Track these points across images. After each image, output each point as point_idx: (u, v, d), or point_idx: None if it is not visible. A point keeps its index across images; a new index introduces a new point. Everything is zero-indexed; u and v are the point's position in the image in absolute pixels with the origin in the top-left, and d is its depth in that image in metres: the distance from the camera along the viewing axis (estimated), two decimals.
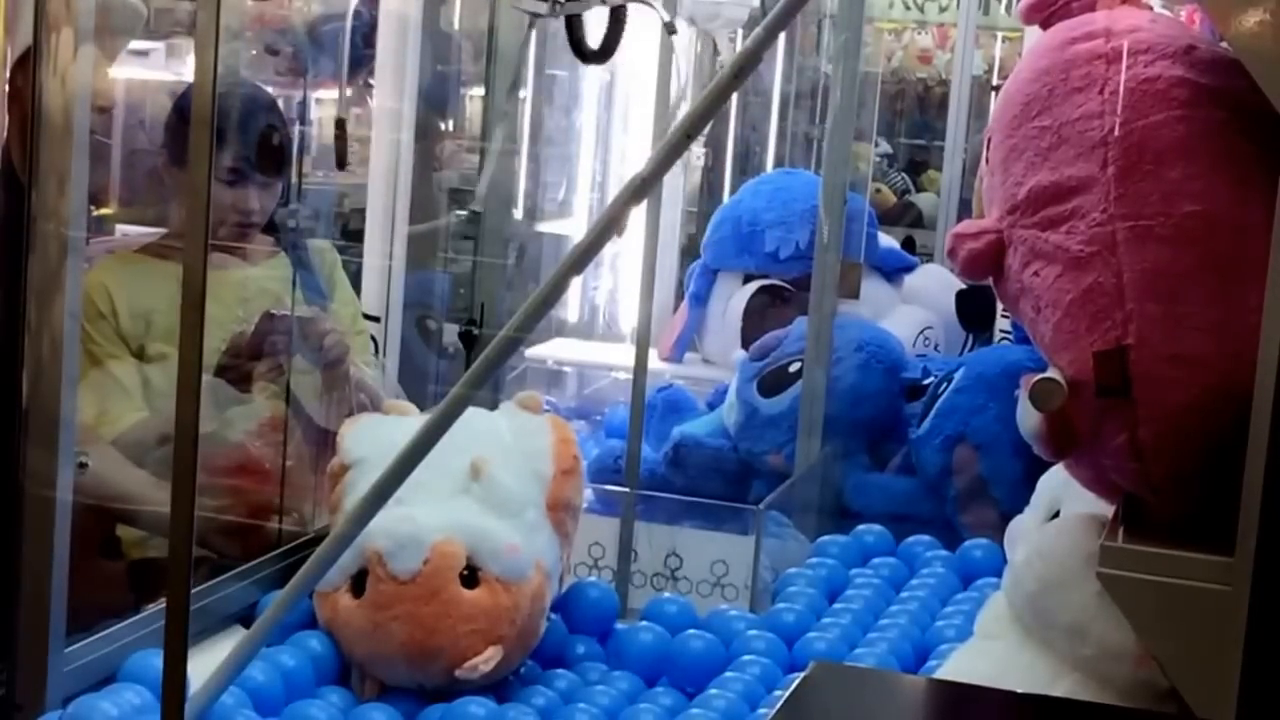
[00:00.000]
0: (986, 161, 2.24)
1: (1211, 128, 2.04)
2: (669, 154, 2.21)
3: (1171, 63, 2.07)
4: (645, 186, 2.21)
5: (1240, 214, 1.99)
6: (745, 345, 4.42)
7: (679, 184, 5.83)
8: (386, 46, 4.20)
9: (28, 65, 2.29)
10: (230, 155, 3.10)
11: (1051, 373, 2.06)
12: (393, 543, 2.59)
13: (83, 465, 2.43)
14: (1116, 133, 2.05)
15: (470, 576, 2.61)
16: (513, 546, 2.65)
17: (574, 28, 2.89)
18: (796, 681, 1.67)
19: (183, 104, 3.13)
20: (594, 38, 3.04)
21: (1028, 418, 2.08)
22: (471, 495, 2.69)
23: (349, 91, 5.03)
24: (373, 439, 2.77)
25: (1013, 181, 2.14)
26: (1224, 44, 2.08)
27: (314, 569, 2.37)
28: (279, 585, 2.49)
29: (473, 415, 2.77)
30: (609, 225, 2.25)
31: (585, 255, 2.29)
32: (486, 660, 2.57)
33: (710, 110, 2.23)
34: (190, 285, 2.00)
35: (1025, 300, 2.13)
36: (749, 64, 2.17)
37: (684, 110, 2.25)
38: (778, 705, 1.61)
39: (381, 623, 2.58)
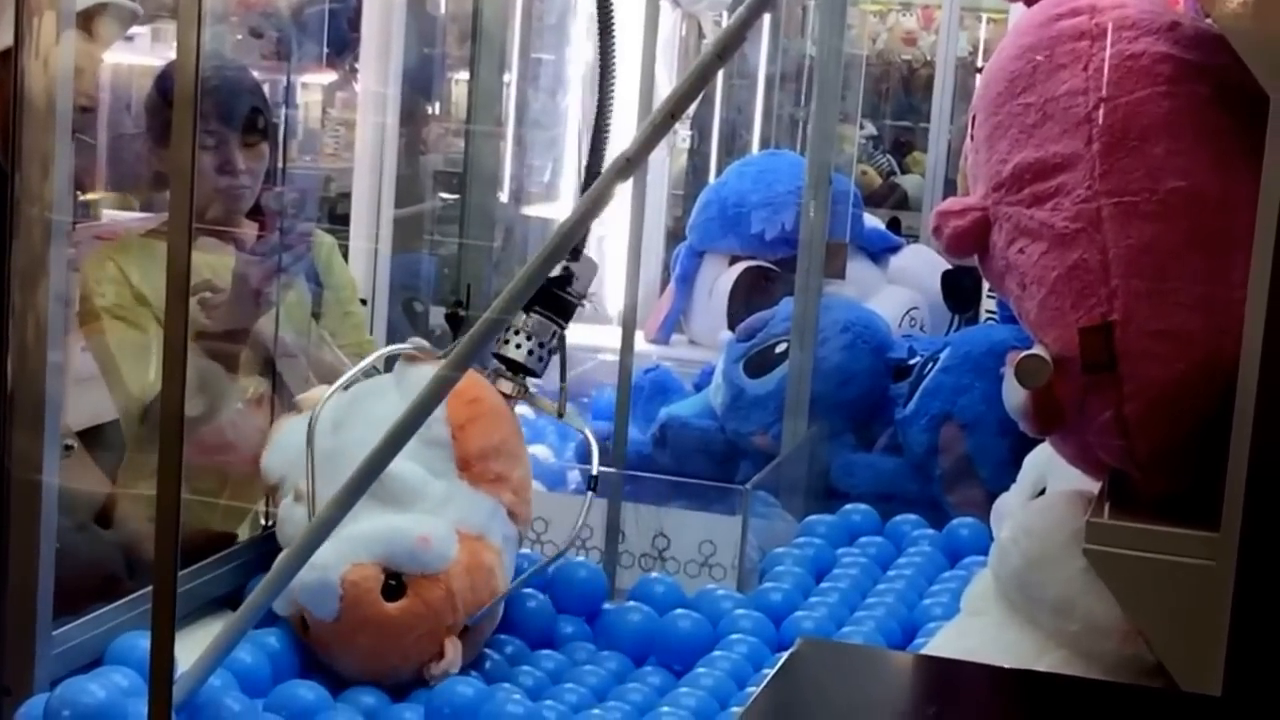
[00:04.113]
0: (971, 139, 2.24)
1: (1196, 103, 2.04)
2: (653, 134, 2.21)
3: (1155, 39, 2.07)
4: (630, 166, 2.21)
5: (1225, 189, 2.00)
6: (731, 326, 4.43)
7: (664, 166, 5.83)
8: (371, 30, 4.20)
9: (9, 58, 2.28)
10: (214, 138, 3.11)
11: (1037, 349, 2.06)
12: (308, 594, 2.53)
13: (68, 448, 2.43)
14: (1101, 109, 2.05)
15: (395, 585, 2.55)
16: (422, 539, 2.56)
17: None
18: (784, 657, 1.67)
19: (163, 85, 3.13)
20: None
21: (1013, 394, 2.08)
22: (373, 496, 2.51)
23: (335, 76, 5.04)
24: (291, 452, 2.70)
25: (997, 159, 2.14)
26: (1208, 20, 2.08)
27: (298, 553, 2.37)
28: (266, 568, 2.48)
29: (365, 396, 2.75)
30: (593, 206, 2.25)
31: (569, 236, 2.29)
32: (451, 661, 2.55)
33: (694, 90, 2.22)
34: (174, 268, 2.00)
35: (1010, 277, 2.13)
36: (732, 44, 2.17)
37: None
38: (766, 680, 1.61)
39: (334, 655, 2.57)
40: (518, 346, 2.76)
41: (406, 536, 2.56)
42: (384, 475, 2.51)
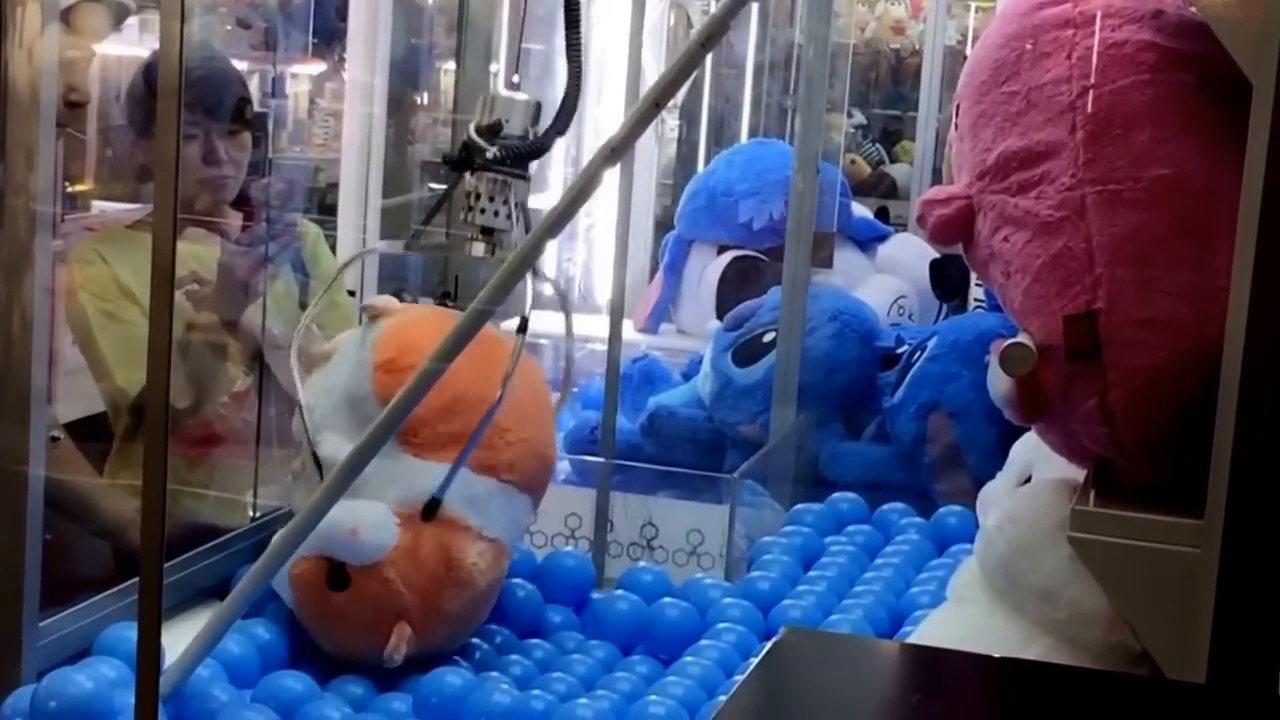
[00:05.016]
0: (955, 127, 2.25)
1: (1179, 91, 2.04)
2: (638, 122, 2.21)
3: (1139, 27, 2.08)
4: (615, 155, 2.21)
5: (1209, 177, 2.00)
6: (720, 315, 4.42)
7: (653, 155, 5.83)
8: (358, 19, 4.19)
9: None
10: (196, 127, 3.11)
11: (1021, 337, 2.07)
12: (276, 584, 2.56)
13: (54, 439, 2.43)
14: (1085, 97, 2.06)
15: (342, 575, 2.53)
16: (350, 531, 2.50)
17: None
18: (768, 647, 1.67)
19: (149, 76, 3.13)
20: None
21: (998, 382, 2.09)
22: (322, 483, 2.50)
23: (324, 66, 5.03)
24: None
25: (982, 147, 2.15)
26: (1191, 8, 2.08)
27: (285, 542, 2.37)
28: (254, 559, 2.48)
29: (338, 365, 2.70)
30: (578, 196, 2.25)
31: (555, 225, 2.29)
32: (396, 646, 2.51)
33: (679, 79, 2.22)
34: (159, 259, 1.99)
35: (995, 266, 2.13)
36: (716, 33, 2.17)
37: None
38: (749, 670, 1.61)
39: (315, 637, 2.61)
40: (483, 211, 2.71)
41: (338, 529, 2.49)
42: (326, 461, 2.52)
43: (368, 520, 2.52)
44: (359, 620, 2.53)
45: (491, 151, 2.62)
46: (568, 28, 2.62)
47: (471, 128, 2.71)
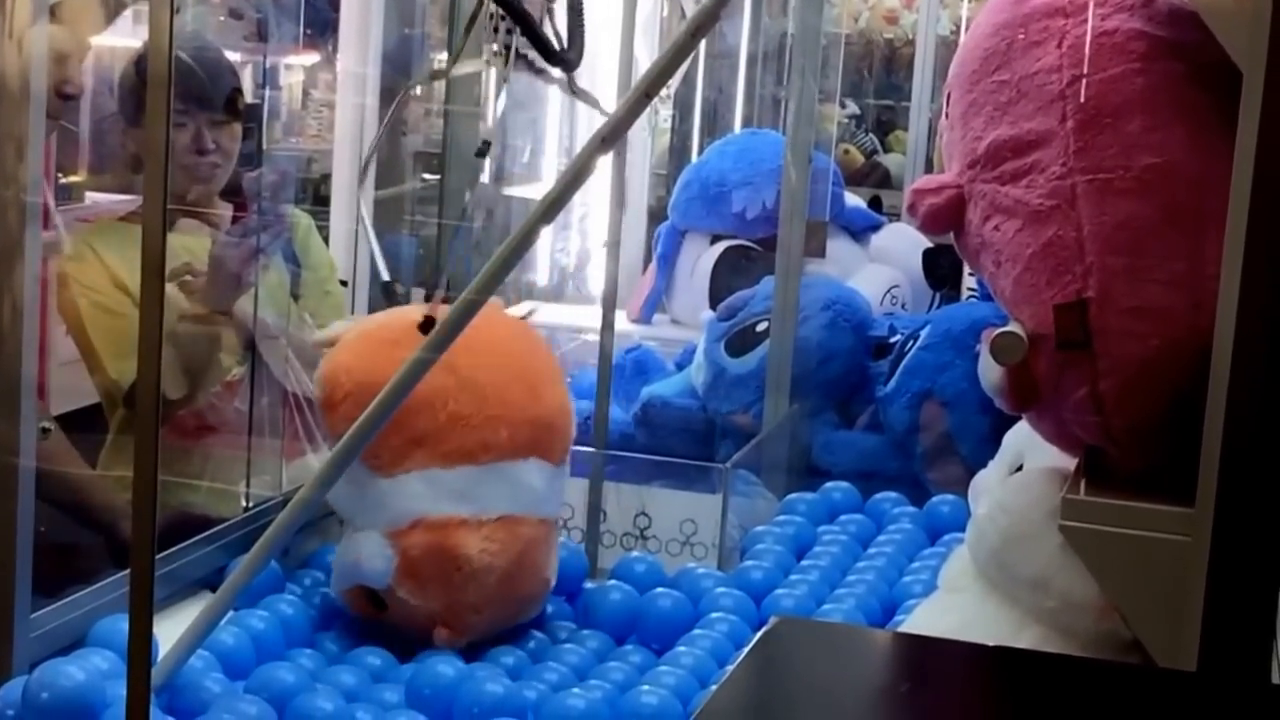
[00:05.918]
0: (946, 116, 2.25)
1: (1169, 80, 2.04)
2: (629, 111, 2.21)
3: (1129, 15, 2.08)
4: (607, 143, 2.21)
5: (1199, 166, 2.00)
6: (713, 305, 4.42)
7: (646, 145, 5.83)
8: (351, 10, 4.19)
9: None
10: (185, 117, 3.10)
11: (1012, 326, 2.07)
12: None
13: (45, 431, 2.43)
14: (1075, 86, 2.05)
15: (378, 597, 2.66)
16: (353, 564, 2.65)
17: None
18: (758, 636, 1.67)
19: (142, 66, 3.12)
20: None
21: (989, 371, 2.09)
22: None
23: (317, 57, 5.02)
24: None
25: (972, 136, 2.15)
26: None
27: (277, 534, 2.37)
28: (247, 549, 2.48)
29: None
30: (570, 184, 2.25)
31: (547, 213, 2.28)
32: (440, 641, 2.62)
33: (669, 69, 2.22)
34: (149, 249, 1.99)
35: (985, 255, 2.13)
36: (707, 22, 2.17)
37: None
38: (740, 659, 1.61)
39: None
40: (496, 31, 2.74)
41: (347, 565, 2.67)
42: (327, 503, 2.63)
43: (364, 552, 2.64)
44: (408, 632, 2.65)
45: None
46: None
47: None
